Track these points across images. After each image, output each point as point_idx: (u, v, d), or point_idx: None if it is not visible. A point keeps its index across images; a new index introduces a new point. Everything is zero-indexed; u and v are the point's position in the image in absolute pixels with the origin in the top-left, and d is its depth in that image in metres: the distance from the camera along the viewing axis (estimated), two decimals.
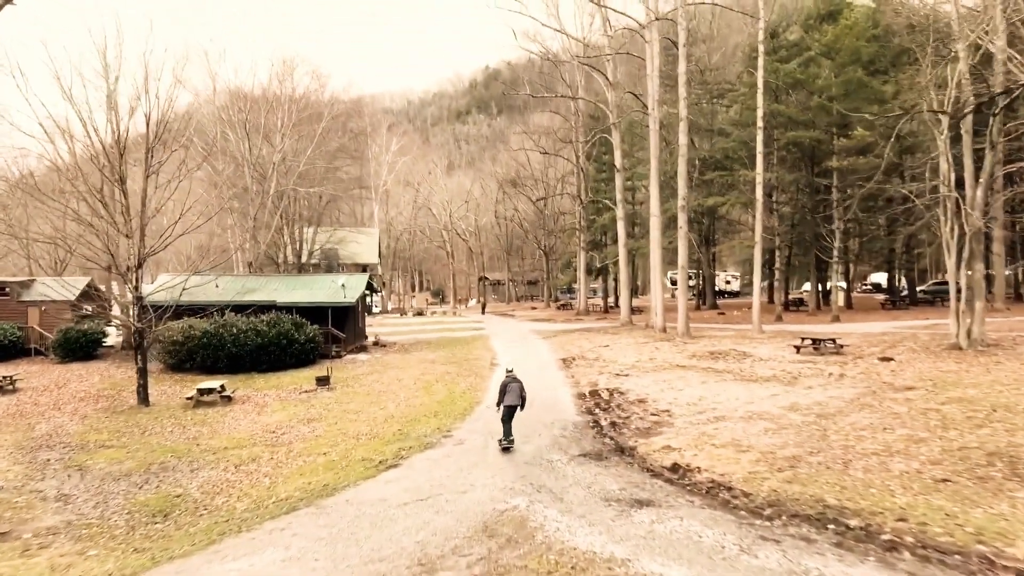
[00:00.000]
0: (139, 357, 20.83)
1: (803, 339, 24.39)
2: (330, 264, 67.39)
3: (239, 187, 39.11)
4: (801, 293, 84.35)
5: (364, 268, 70.51)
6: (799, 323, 37.15)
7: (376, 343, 33.61)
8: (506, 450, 12.93)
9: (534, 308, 75.28)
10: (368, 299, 75.95)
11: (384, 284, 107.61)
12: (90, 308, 28.16)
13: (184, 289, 22.02)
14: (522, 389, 13.74)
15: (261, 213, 38.75)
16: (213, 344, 25.90)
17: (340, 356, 28.91)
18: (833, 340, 23.45)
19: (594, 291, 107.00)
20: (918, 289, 54.09)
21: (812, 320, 38.94)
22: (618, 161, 37.57)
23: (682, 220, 29.60)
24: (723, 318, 43.94)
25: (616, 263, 43.36)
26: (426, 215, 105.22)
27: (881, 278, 77.86)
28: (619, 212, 37.13)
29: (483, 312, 66.59)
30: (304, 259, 55.07)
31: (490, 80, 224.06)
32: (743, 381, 19.00)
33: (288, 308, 28.46)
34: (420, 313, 71.05)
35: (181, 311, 24.50)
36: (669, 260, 38.42)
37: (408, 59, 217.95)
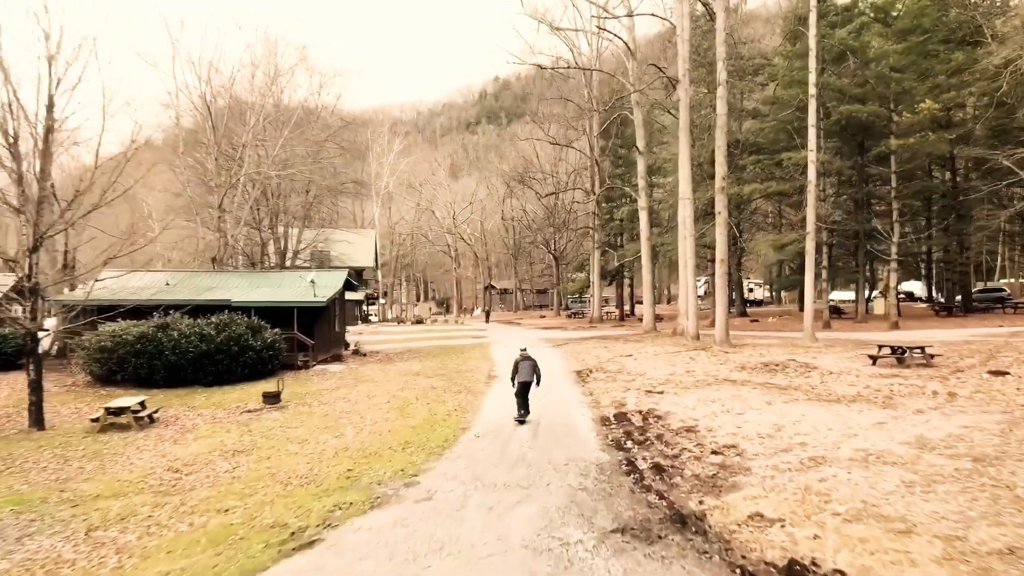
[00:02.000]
0: (30, 367, 16.36)
1: (880, 347, 19.67)
2: (320, 267, 63.09)
3: (203, 169, 34.74)
4: (833, 301, 79.51)
5: (359, 273, 66.21)
6: (851, 331, 32.40)
7: (356, 352, 29.11)
8: (521, 422, 13.87)
9: (543, 316, 70.66)
10: (364, 306, 71.65)
11: (386, 292, 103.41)
12: None
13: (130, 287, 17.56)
14: (536, 366, 14.55)
15: (230, 202, 34.42)
16: (148, 351, 21.43)
17: (307, 366, 24.41)
18: (921, 349, 18.71)
19: (606, 300, 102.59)
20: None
21: (863, 328, 34.16)
22: (640, 142, 33.07)
23: (721, 204, 24.95)
24: (758, 326, 39.26)
25: (636, 262, 38.82)
26: (430, 219, 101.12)
27: (914, 286, 72.95)
28: (641, 201, 32.63)
29: (487, 320, 62.03)
30: (289, 259, 50.77)
31: (500, 90, 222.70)
32: (822, 401, 14.35)
33: (245, 309, 24.00)
34: (420, 321, 66.57)
35: (121, 313, 20.21)
36: (698, 258, 33.85)
37: (417, 71, 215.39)
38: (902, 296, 77.58)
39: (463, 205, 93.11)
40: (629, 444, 11.70)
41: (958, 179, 40.01)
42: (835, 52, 31.41)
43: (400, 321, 71.26)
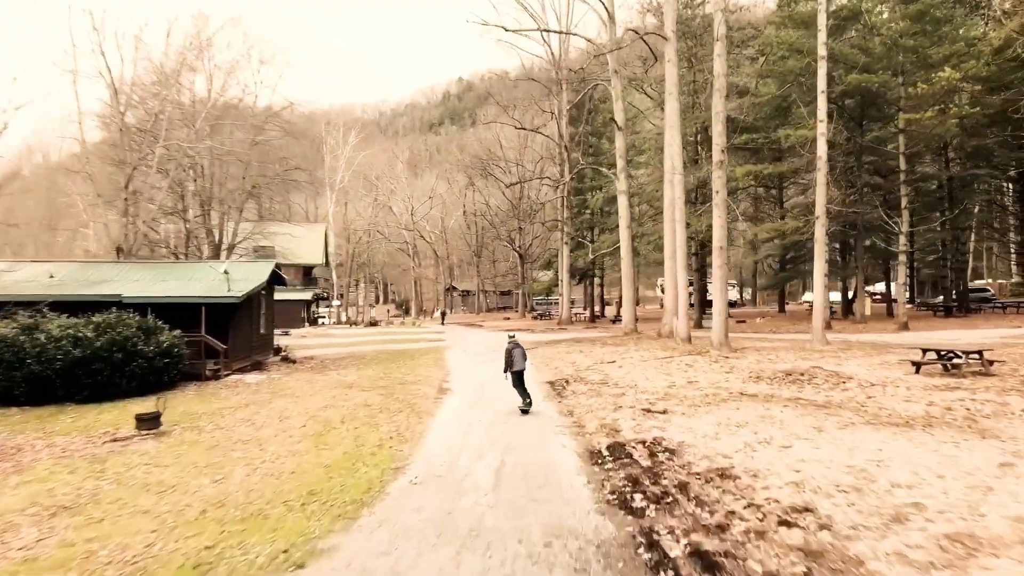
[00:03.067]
0: None
1: (924, 352, 16.16)
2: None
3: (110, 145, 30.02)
4: (803, 303, 77.27)
5: (308, 271, 61.64)
6: (854, 333, 29.17)
7: (285, 358, 24.80)
8: (525, 411, 13.69)
9: (507, 318, 66.75)
10: (313, 307, 66.81)
11: (341, 293, 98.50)
12: None
13: None
14: (525, 353, 14.56)
15: (143, 183, 29.76)
16: (5, 359, 16.94)
17: (218, 376, 20.05)
18: (979, 353, 15.24)
19: (572, 301, 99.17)
20: (940, 300, 47.08)
21: (867, 329, 30.99)
22: (619, 116, 29.37)
23: (719, 181, 21.36)
24: (746, 327, 35.93)
25: (609, 257, 35.21)
26: (387, 216, 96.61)
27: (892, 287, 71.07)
28: (620, 184, 28.97)
29: (442, 322, 57.94)
30: (224, 254, 45.96)
31: (464, 91, 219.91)
32: (888, 426, 10.70)
33: (141, 306, 19.58)
34: (375, 324, 62.15)
35: None
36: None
37: (380, 73, 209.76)
38: (877, 296, 75.83)
39: (422, 200, 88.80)
40: (639, 500, 7.80)
41: (951, 167, 37.38)
42: (840, 17, 28.20)
43: (353, 323, 66.73)
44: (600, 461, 9.72)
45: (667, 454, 9.72)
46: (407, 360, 23.92)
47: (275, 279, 25.72)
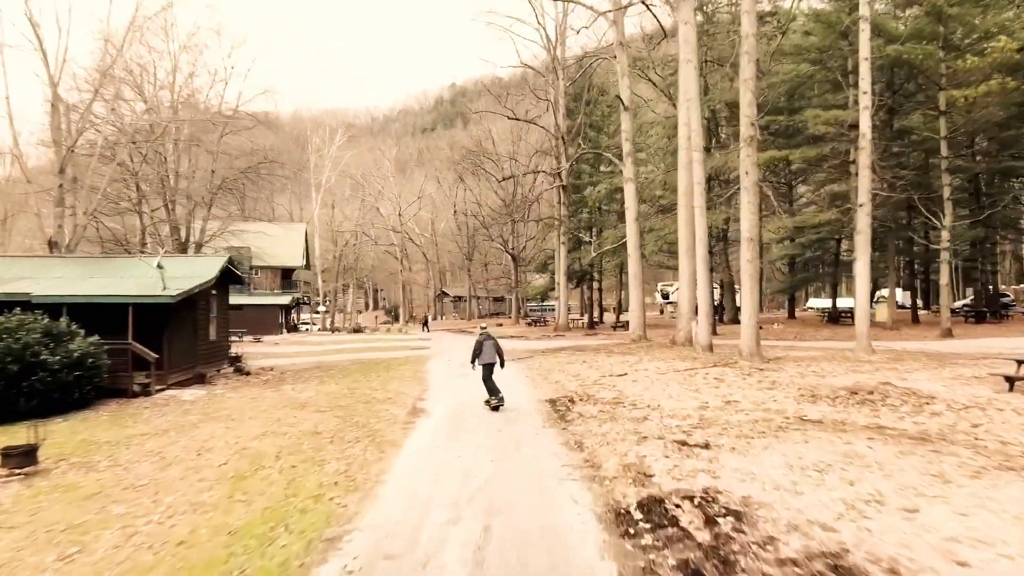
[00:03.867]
0: None
1: (1020, 364, 13.07)
2: (239, 266, 54.94)
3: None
4: (808, 309, 74.22)
5: (287, 274, 58.42)
6: (892, 340, 26.14)
7: (239, 369, 21.50)
8: (496, 408, 13.25)
9: (500, 324, 63.55)
10: (292, 312, 63.37)
11: (328, 299, 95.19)
12: None
13: None
14: (498, 346, 14.06)
15: (85, 169, 26.49)
16: None
17: (148, 392, 16.77)
18: None
19: (569, 307, 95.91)
20: (961, 304, 44.18)
21: (903, 336, 27.97)
22: (625, 94, 26.30)
23: (749, 162, 18.28)
24: (766, 333, 32.85)
25: (612, 256, 32.05)
26: (375, 218, 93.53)
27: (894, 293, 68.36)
28: (627, 170, 25.89)
29: (426, 329, 54.79)
30: (191, 253, 42.66)
31: (456, 96, 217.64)
32: None
33: (54, 307, 16.33)
34: (358, 330, 58.95)
35: None
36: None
37: (373, 77, 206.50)
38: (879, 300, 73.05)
39: (411, 200, 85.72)
40: None
41: (978, 158, 34.50)
42: None
43: (336, 330, 63.45)
44: (631, 531, 6.54)
45: (731, 520, 6.57)
46: (381, 372, 20.70)
47: (229, 277, 22.47)
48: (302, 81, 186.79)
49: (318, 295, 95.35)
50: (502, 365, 13.89)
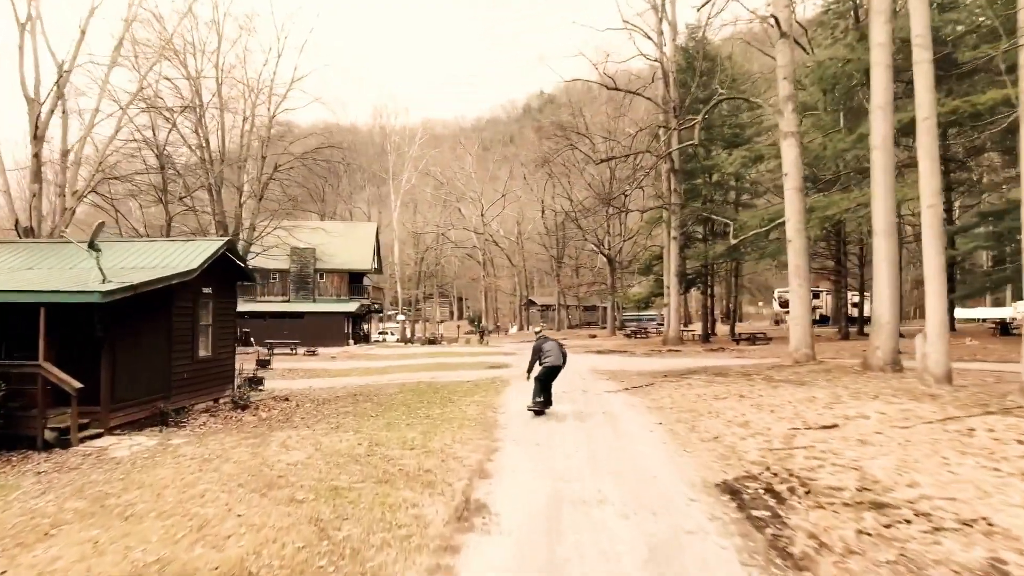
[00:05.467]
0: None
1: None
2: (303, 270, 50.44)
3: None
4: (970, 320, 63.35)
5: (359, 278, 53.53)
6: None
7: (236, 402, 15.42)
8: (539, 413, 12.42)
9: (593, 336, 56.63)
10: (363, 322, 58.34)
11: (410, 307, 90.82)
12: None
13: None
14: (562, 347, 12.96)
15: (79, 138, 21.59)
16: None
17: (68, 441, 10.94)
18: None
19: (656, 317, 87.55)
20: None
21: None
22: (782, 14, 18.94)
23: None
24: (960, 351, 24.88)
25: (764, 236, 24.64)
26: (457, 219, 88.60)
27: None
28: (786, 122, 18.56)
29: (482, 341, 48.50)
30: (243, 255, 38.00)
31: (545, 104, 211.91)
32: None
33: None
34: (433, 341, 53.32)
35: None
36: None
37: (460, 90, 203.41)
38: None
39: (495, 199, 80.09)
40: None
41: None
42: None
43: (408, 341, 58.16)
44: None
45: None
46: (435, 406, 14.33)
47: (231, 272, 16.66)
48: (381, 90, 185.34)
49: (396, 303, 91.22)
50: (564, 363, 12.86)
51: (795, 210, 17.96)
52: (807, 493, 7.07)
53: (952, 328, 43.93)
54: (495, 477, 8.25)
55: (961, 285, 35.71)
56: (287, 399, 16.33)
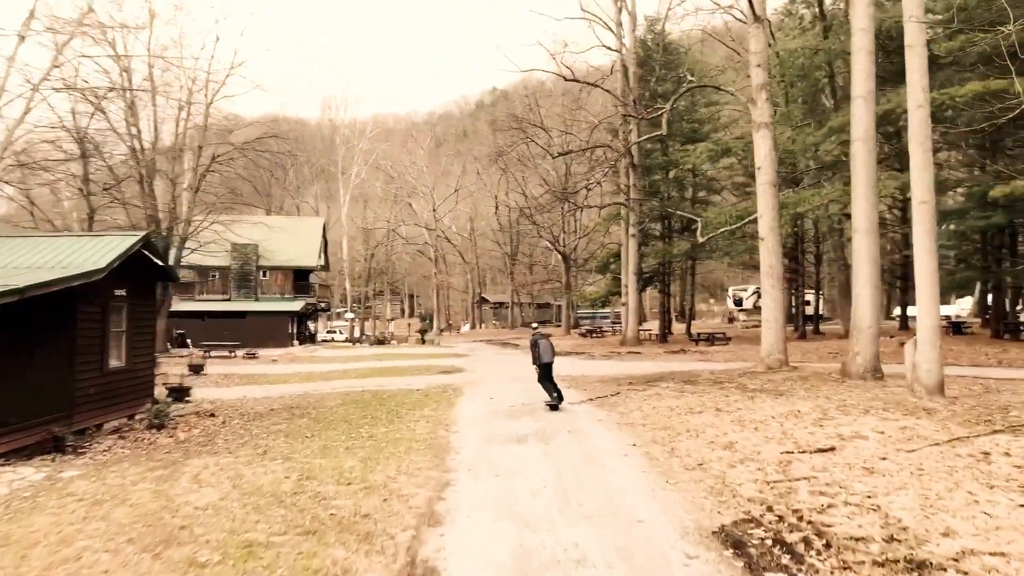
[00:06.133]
0: None
1: None
2: (245, 267, 48.08)
3: None
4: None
5: (305, 276, 51.35)
6: None
7: (153, 420, 13.61)
8: (554, 407, 13.36)
9: (548, 336, 55.55)
10: (308, 321, 55.97)
11: (359, 305, 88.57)
12: None
13: None
14: (551, 344, 14.56)
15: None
16: None
17: None
18: None
19: (610, 315, 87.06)
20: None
21: None
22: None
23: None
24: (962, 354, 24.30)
25: (730, 234, 23.78)
26: (408, 215, 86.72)
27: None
28: (758, 111, 17.41)
29: (423, 341, 47.01)
30: (174, 248, 35.69)
31: (498, 100, 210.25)
32: None
33: None
34: (382, 342, 51.49)
35: None
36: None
37: (413, 85, 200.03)
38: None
39: (447, 194, 78.56)
40: None
41: None
42: None
43: (356, 341, 56.15)
44: None
45: None
46: (380, 423, 12.81)
47: (147, 270, 14.85)
48: (333, 81, 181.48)
49: (346, 301, 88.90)
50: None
51: (768, 206, 16.96)
52: (826, 546, 5.86)
53: (904, 327, 44.18)
54: (447, 524, 6.86)
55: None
56: (213, 414, 14.58)
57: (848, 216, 21.21)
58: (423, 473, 8.86)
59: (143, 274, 14.68)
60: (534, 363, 13.95)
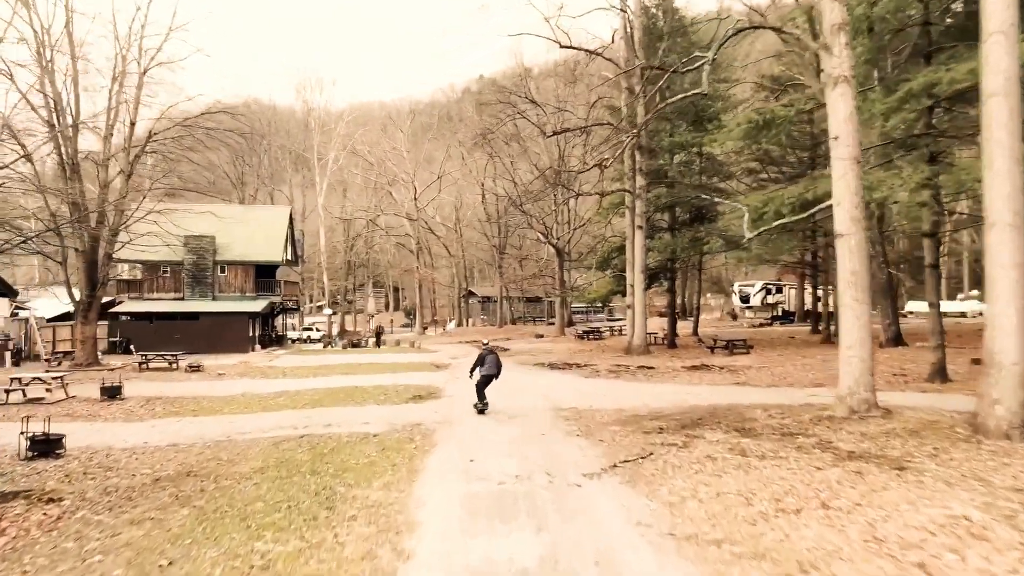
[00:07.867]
0: None
1: None
2: (200, 262, 43.31)
3: None
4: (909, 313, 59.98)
5: (271, 271, 46.64)
6: None
7: None
8: (481, 412, 15.24)
9: (540, 336, 51.04)
10: (272, 320, 50.97)
11: (336, 302, 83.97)
12: None
13: None
14: (498, 359, 15.73)
15: None
16: None
17: None
18: None
19: (604, 313, 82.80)
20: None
21: None
22: None
23: None
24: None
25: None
26: (389, 204, 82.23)
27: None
28: (835, 63, 12.71)
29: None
30: (105, 241, 31.00)
31: (485, 87, 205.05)
32: None
33: None
34: (356, 344, 46.89)
35: None
36: None
37: (400, 73, 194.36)
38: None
39: (430, 181, 74.04)
40: None
41: None
42: None
43: (330, 342, 51.50)
44: None
45: None
46: (300, 522, 8.31)
47: None
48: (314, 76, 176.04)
49: (324, 295, 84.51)
50: (497, 376, 15.64)
51: (850, 190, 12.46)
52: None
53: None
54: None
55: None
56: (58, 500, 9.90)
57: (925, 204, 16.84)
58: None
59: None
60: (472, 371, 15.48)
